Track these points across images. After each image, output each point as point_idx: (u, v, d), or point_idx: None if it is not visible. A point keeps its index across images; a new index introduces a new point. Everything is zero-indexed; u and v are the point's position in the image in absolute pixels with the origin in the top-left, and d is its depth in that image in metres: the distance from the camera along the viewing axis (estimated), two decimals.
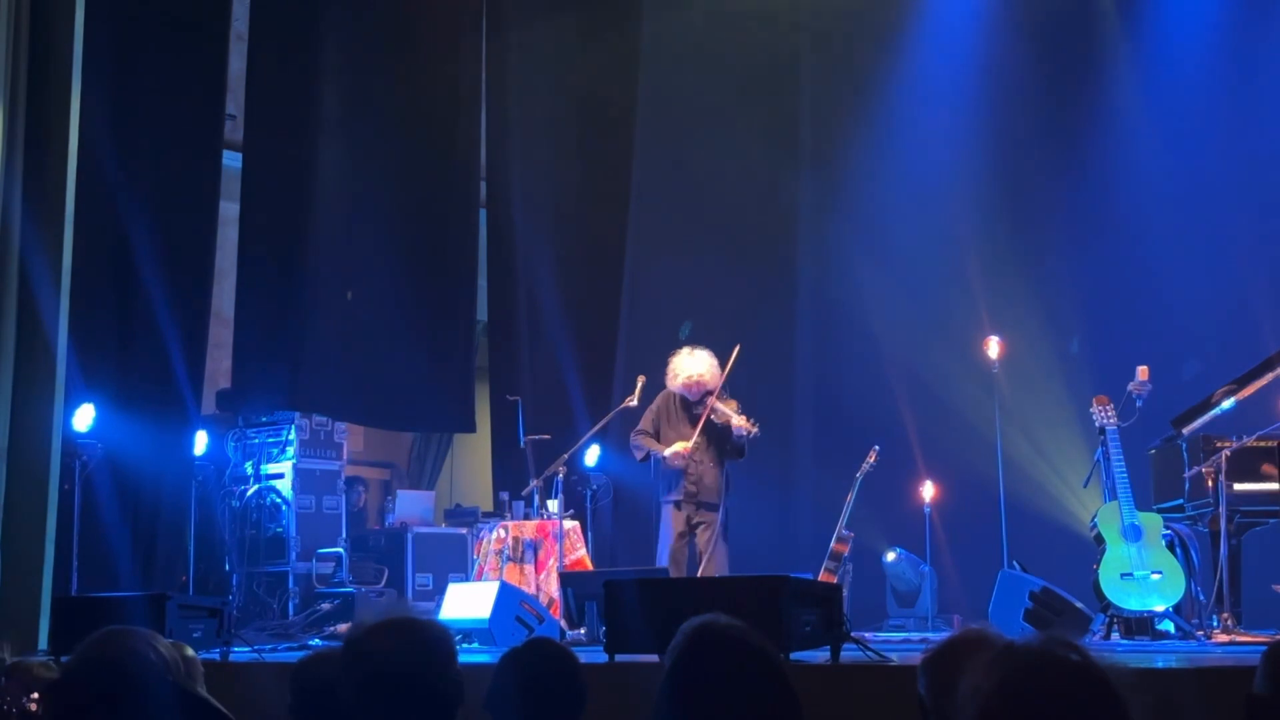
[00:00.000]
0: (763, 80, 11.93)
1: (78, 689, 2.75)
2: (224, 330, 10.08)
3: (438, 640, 2.66)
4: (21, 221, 7.99)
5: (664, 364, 8.66)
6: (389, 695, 2.56)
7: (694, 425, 8.43)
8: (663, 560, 8.43)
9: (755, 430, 8.25)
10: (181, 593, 8.63)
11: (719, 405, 8.36)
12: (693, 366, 8.46)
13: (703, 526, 8.36)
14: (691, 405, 8.50)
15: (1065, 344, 10.31)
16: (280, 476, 9.92)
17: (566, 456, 8.88)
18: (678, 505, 8.43)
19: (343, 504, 10.20)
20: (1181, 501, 7.42)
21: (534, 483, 9.01)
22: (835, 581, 8.86)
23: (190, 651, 4.16)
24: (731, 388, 8.67)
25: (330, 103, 9.97)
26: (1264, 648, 2.82)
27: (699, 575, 8.17)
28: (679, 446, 8.39)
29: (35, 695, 3.22)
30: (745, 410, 8.49)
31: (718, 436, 8.40)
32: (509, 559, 8.76)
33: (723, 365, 8.54)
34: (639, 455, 8.68)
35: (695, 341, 8.81)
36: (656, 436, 8.56)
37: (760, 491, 10.27)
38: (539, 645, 3.52)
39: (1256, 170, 9.86)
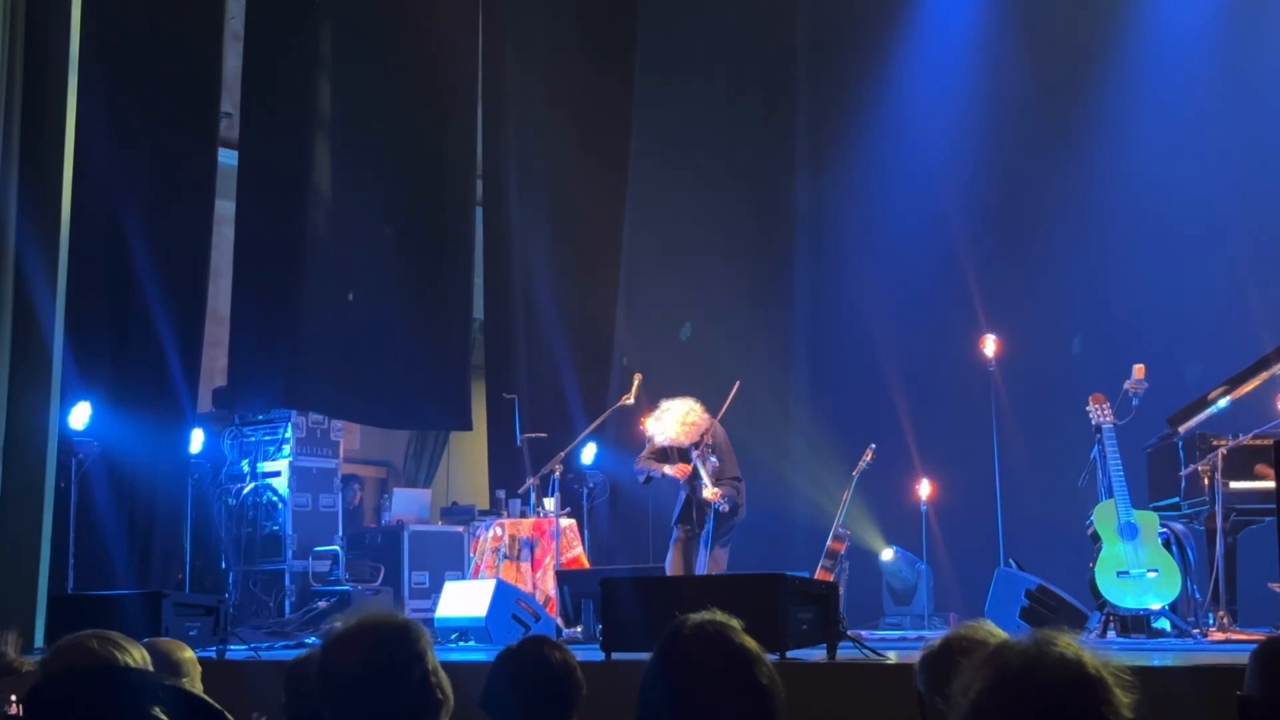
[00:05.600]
0: (760, 80, 11.93)
1: (56, 692, 2.73)
2: (220, 329, 10.08)
3: (403, 643, 2.59)
4: (18, 219, 7.99)
5: (661, 362, 8.72)
6: (356, 697, 2.53)
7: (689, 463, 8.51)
8: (669, 557, 8.51)
9: (723, 504, 8.28)
10: (177, 590, 8.65)
11: (702, 470, 8.37)
12: (664, 431, 8.48)
13: (704, 532, 8.40)
14: (684, 450, 8.53)
15: (1062, 342, 10.30)
16: (276, 474, 9.92)
17: (563, 454, 8.89)
18: (682, 535, 8.52)
19: (339, 502, 10.19)
20: (1177, 500, 7.42)
21: (530, 481, 9.01)
22: (832, 579, 8.86)
23: (188, 652, 4.15)
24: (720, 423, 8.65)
25: (326, 101, 9.97)
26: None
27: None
28: (677, 468, 8.48)
29: (14, 698, 3.21)
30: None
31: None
32: (505, 557, 8.76)
33: (716, 407, 8.55)
34: (642, 479, 8.74)
35: (693, 342, 8.84)
36: (663, 459, 8.58)
37: (757, 489, 10.27)
38: (535, 643, 3.52)
39: (1254, 169, 9.86)
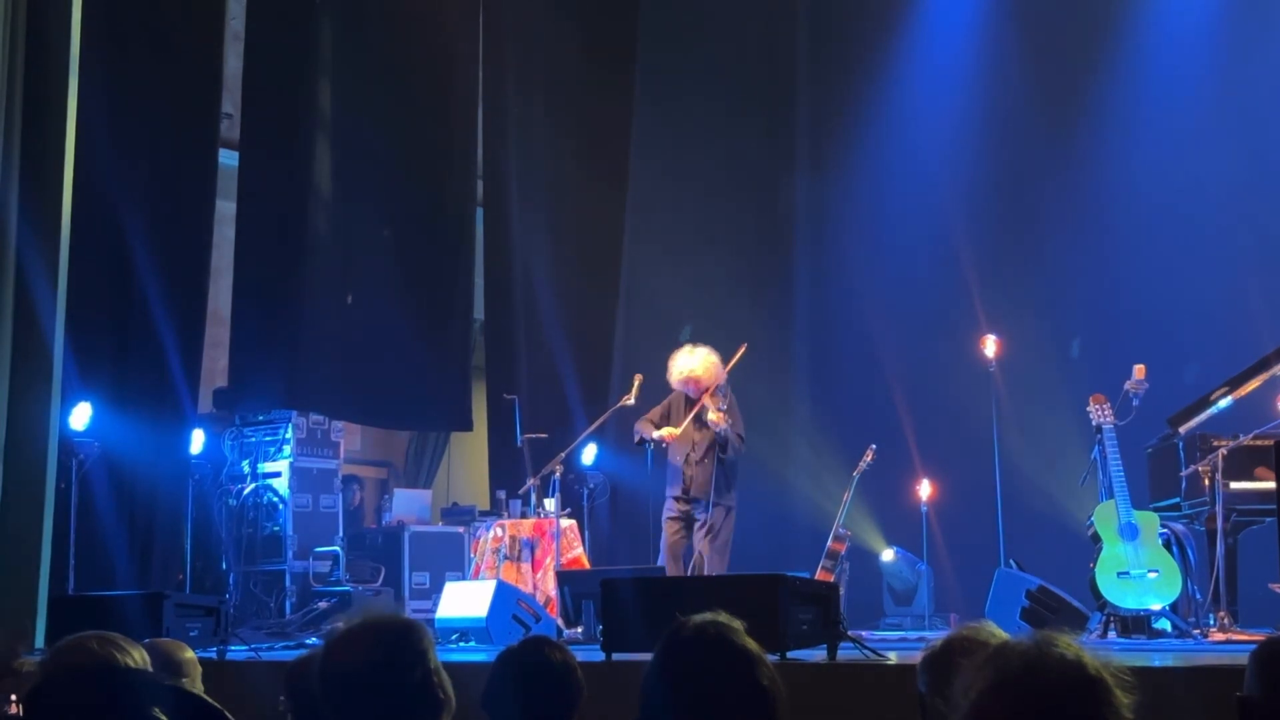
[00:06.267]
0: (760, 80, 11.94)
1: (57, 692, 2.73)
2: (221, 329, 10.07)
3: (406, 643, 2.59)
4: (18, 220, 7.98)
5: (660, 363, 8.69)
6: (357, 698, 2.53)
7: (694, 421, 8.47)
8: (663, 555, 8.49)
9: (724, 425, 8.28)
10: (178, 591, 8.64)
11: (707, 401, 8.39)
12: (687, 364, 8.50)
13: (698, 524, 8.38)
14: (694, 403, 8.53)
15: (1063, 342, 10.30)
16: (277, 475, 9.92)
17: (563, 455, 8.89)
18: (675, 499, 8.49)
19: (339, 502, 10.20)
20: (1178, 500, 7.43)
21: (531, 481, 9.01)
22: (832, 580, 8.86)
23: (189, 653, 4.15)
24: (730, 385, 8.67)
25: (326, 101, 9.97)
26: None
27: (695, 574, 8.18)
28: (665, 431, 8.47)
29: (14, 698, 3.21)
30: (743, 409, 8.54)
31: (712, 434, 8.41)
32: (506, 557, 8.76)
33: (726, 362, 8.56)
34: (635, 439, 8.75)
35: (696, 341, 8.83)
36: (665, 425, 8.60)
37: (757, 490, 10.28)
38: (535, 644, 3.52)
39: (1254, 169, 9.86)
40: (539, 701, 3.30)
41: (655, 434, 8.51)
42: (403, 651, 2.56)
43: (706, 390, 8.43)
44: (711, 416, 8.31)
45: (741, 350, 8.61)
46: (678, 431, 8.41)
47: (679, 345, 8.87)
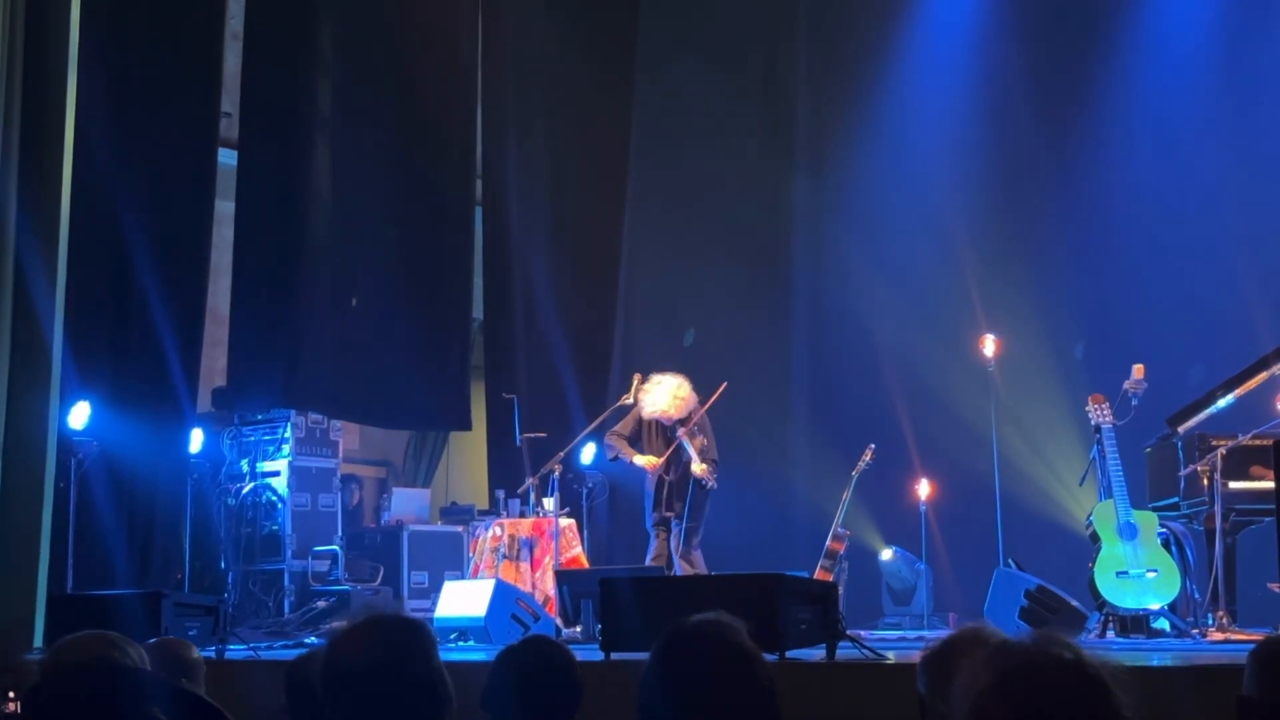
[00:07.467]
0: (760, 80, 11.94)
1: (57, 691, 2.73)
2: (220, 328, 10.07)
3: (409, 641, 2.60)
4: (17, 219, 7.96)
5: (660, 363, 8.72)
6: (360, 696, 2.53)
7: (667, 445, 8.51)
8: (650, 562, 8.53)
9: (710, 480, 8.30)
10: (177, 590, 8.65)
11: (686, 443, 8.40)
12: (655, 402, 8.52)
13: (674, 537, 8.41)
14: (667, 428, 8.54)
15: (1062, 342, 10.30)
16: (276, 474, 9.92)
17: (562, 454, 8.89)
18: (657, 520, 8.55)
19: (338, 502, 10.20)
20: (1177, 500, 7.43)
21: (530, 481, 9.02)
22: (831, 579, 8.87)
23: (195, 653, 4.15)
24: (728, 388, 8.66)
25: (325, 100, 9.97)
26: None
27: None
28: (647, 461, 8.51)
29: (12, 695, 3.21)
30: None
31: (687, 462, 8.44)
32: (505, 557, 8.77)
33: (706, 398, 8.56)
34: (610, 455, 8.77)
35: (692, 346, 8.84)
36: (636, 439, 8.61)
37: (756, 489, 10.28)
38: (535, 643, 3.53)
39: (1255, 169, 9.86)
40: (539, 701, 3.31)
41: (638, 460, 8.53)
42: (407, 649, 2.57)
43: (683, 421, 8.44)
44: (696, 470, 8.34)
45: (721, 389, 8.59)
46: (659, 461, 8.46)
47: (678, 344, 8.89)
